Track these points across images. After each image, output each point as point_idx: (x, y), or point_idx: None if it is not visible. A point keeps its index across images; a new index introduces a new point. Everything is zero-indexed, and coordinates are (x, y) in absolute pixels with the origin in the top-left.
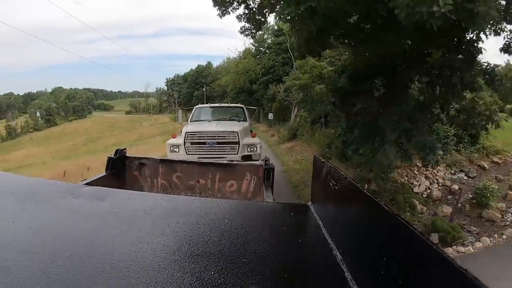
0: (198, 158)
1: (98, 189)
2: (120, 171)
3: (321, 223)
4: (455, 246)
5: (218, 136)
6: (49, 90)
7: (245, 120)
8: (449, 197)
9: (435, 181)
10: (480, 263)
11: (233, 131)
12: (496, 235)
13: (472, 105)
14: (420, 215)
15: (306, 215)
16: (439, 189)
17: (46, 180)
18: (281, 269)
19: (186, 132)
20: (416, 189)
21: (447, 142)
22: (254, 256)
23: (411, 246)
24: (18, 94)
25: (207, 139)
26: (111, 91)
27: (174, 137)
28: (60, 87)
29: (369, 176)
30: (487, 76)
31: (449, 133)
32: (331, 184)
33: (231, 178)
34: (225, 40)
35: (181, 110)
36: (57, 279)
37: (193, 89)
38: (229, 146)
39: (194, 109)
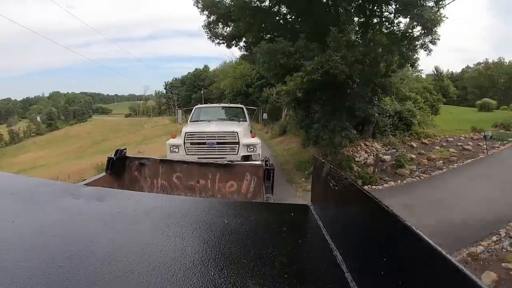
0: (198, 158)
1: (98, 189)
2: (120, 171)
3: (321, 224)
4: (370, 185)
5: (218, 137)
6: (47, 94)
7: (244, 120)
8: (380, 163)
9: (372, 154)
10: (382, 193)
11: (233, 131)
12: (399, 181)
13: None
14: (355, 172)
15: (306, 216)
16: (373, 159)
17: (46, 180)
18: (281, 269)
19: (186, 133)
20: (357, 159)
21: (385, 129)
22: (254, 257)
23: (411, 247)
24: (15, 100)
25: (207, 139)
26: (108, 94)
27: (174, 138)
28: (58, 91)
29: (327, 152)
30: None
31: (386, 123)
32: (331, 184)
33: (231, 178)
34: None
35: (180, 111)
36: (57, 279)
37: (191, 91)
38: (229, 146)
39: (193, 109)
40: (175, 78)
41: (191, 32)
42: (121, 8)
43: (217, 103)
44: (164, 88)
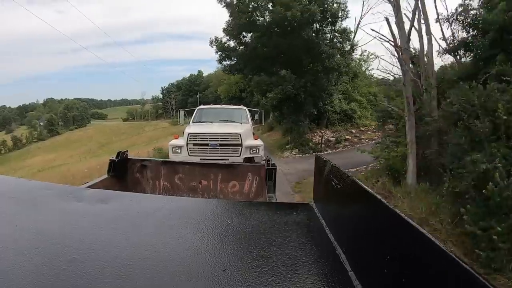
0: (201, 159)
1: (100, 191)
2: (122, 173)
3: (324, 222)
4: (317, 152)
5: (220, 138)
6: (41, 101)
7: (247, 122)
8: (327, 141)
9: (323, 137)
10: (323, 155)
11: (236, 133)
12: (334, 150)
13: (348, 107)
14: (311, 147)
15: (308, 214)
16: (323, 140)
17: (48, 183)
18: (285, 268)
19: (188, 134)
20: (314, 140)
21: (335, 121)
22: (257, 256)
23: (414, 245)
24: (10, 107)
25: (209, 140)
26: (101, 100)
27: (177, 138)
28: (52, 98)
29: (295, 137)
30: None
31: (335, 117)
32: (333, 183)
33: (233, 178)
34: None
35: (183, 111)
36: (59, 282)
37: (187, 96)
38: (231, 148)
39: (196, 110)
40: (171, 84)
41: (182, 35)
42: (109, 12)
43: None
44: (161, 93)
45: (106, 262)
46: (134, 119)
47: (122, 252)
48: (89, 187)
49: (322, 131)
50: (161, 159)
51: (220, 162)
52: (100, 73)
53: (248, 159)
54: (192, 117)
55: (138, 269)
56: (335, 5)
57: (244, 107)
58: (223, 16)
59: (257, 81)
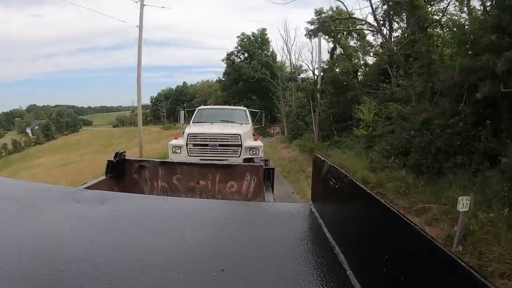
0: (200, 160)
1: (98, 192)
2: (120, 174)
3: (322, 222)
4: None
5: (220, 139)
6: (24, 107)
7: (247, 122)
8: (276, 133)
9: (274, 130)
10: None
11: (236, 134)
12: (275, 136)
13: None
14: (269, 135)
15: (307, 214)
16: (274, 132)
17: (47, 185)
18: (283, 268)
19: (188, 134)
20: (270, 132)
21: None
22: (256, 256)
23: (412, 244)
24: None
25: (209, 141)
26: (82, 106)
27: (176, 138)
28: (34, 104)
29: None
30: None
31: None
32: (331, 183)
33: (231, 179)
34: (188, 51)
35: (183, 112)
36: (58, 283)
37: (175, 105)
38: (231, 149)
39: (196, 111)
40: (159, 93)
41: (156, 41)
42: (86, 17)
43: None
44: (150, 102)
45: (104, 263)
46: (123, 125)
47: (120, 253)
48: (87, 188)
49: (274, 127)
50: (159, 160)
51: (218, 162)
52: (77, 79)
53: (248, 160)
54: (193, 117)
55: (137, 270)
56: (278, 69)
57: (245, 108)
58: (199, 23)
59: (236, 100)
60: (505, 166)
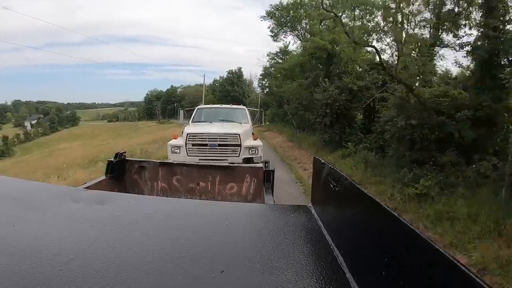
0: (200, 159)
1: (98, 193)
2: (120, 174)
3: (322, 224)
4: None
5: (219, 138)
6: (9, 103)
7: (247, 121)
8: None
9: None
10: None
11: (235, 133)
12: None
13: None
14: None
15: (306, 217)
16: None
17: (47, 184)
18: (283, 270)
19: (187, 134)
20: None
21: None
22: (255, 258)
23: (412, 247)
24: None
25: (208, 141)
26: (63, 103)
27: (175, 138)
28: (19, 100)
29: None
30: None
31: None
32: (331, 185)
33: (231, 180)
34: (160, 48)
35: (182, 111)
36: (58, 283)
37: (166, 104)
38: (230, 148)
39: (195, 110)
40: (150, 94)
41: (129, 38)
42: (56, 11)
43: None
44: (144, 101)
45: (104, 263)
46: (118, 120)
47: (119, 253)
48: (87, 188)
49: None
50: (159, 161)
51: (218, 163)
52: (40, 74)
53: (247, 160)
54: (192, 117)
55: (136, 271)
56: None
57: (244, 107)
58: (170, 21)
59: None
60: None
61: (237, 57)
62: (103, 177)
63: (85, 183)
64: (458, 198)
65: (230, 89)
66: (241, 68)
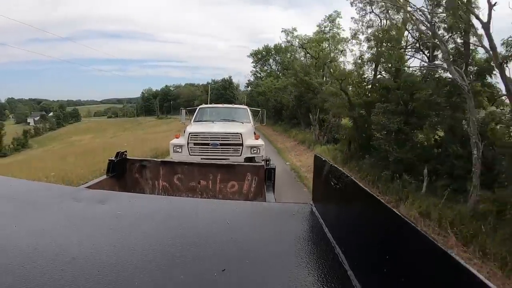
0: (201, 159)
1: (99, 192)
2: (121, 173)
3: (323, 222)
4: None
5: (221, 138)
6: (3, 101)
7: (248, 121)
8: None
9: None
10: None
11: (237, 133)
12: None
13: None
14: None
15: (307, 215)
16: None
17: (47, 184)
18: (284, 268)
19: (189, 133)
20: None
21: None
22: (256, 257)
23: (414, 244)
24: None
25: (210, 140)
26: (53, 100)
27: (177, 137)
28: (12, 98)
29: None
30: None
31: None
32: (332, 183)
33: (232, 179)
34: (142, 43)
35: (184, 110)
36: (58, 283)
37: (163, 102)
38: (232, 148)
39: (197, 109)
40: (146, 91)
41: (112, 33)
42: (37, 6)
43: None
44: (141, 98)
45: (105, 262)
46: (117, 116)
47: (121, 252)
48: (88, 187)
49: None
50: (160, 160)
51: (219, 162)
52: (23, 70)
53: (249, 159)
54: (194, 116)
55: (137, 270)
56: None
57: (246, 107)
58: (154, 16)
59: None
60: None
61: (221, 53)
62: (104, 176)
63: (85, 182)
64: None
65: (224, 93)
66: (231, 76)
